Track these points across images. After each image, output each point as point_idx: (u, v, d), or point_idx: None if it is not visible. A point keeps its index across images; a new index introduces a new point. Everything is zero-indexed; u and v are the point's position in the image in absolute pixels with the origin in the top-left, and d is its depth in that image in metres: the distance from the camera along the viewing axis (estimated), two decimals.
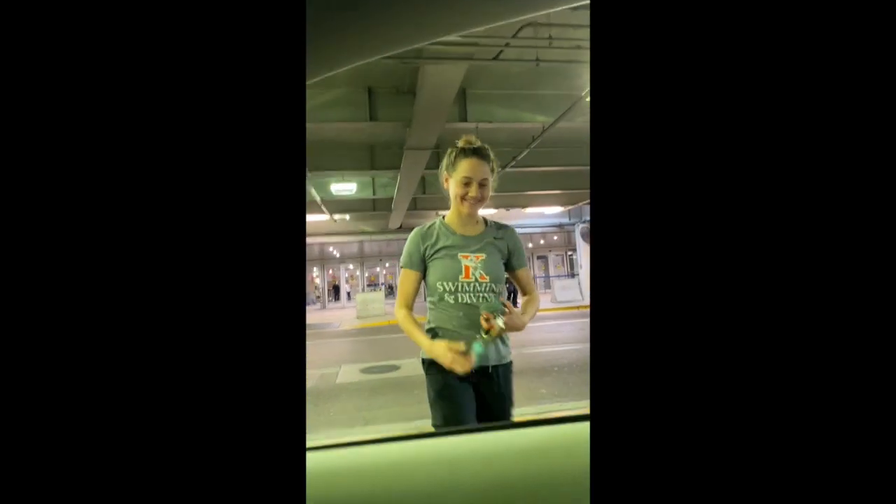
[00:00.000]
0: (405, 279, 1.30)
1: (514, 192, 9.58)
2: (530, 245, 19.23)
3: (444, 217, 1.34)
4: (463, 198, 1.25)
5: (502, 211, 11.17)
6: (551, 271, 19.28)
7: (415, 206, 10.35)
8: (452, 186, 1.28)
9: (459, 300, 1.24)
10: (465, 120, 5.48)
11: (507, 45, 3.61)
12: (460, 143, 1.28)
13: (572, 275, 15.59)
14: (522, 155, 6.47)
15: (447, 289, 1.24)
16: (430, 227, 1.32)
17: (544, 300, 12.86)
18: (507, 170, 7.14)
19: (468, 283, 1.24)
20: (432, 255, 1.27)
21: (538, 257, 20.14)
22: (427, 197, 9.87)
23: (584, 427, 0.51)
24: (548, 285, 16.06)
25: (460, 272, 1.24)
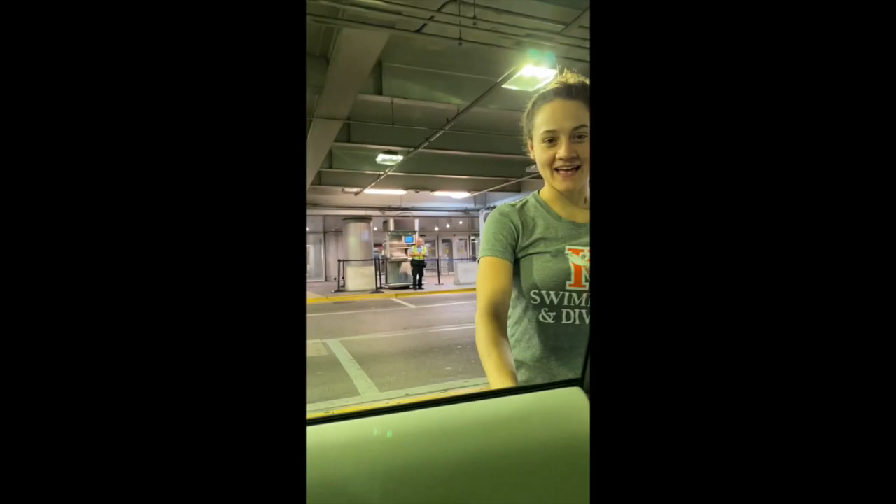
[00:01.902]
0: (492, 272, 0.78)
1: (425, 173, 9.61)
2: (436, 228, 19.57)
3: (538, 193, 0.88)
4: (552, 165, 0.79)
5: (411, 192, 11.15)
6: (455, 254, 19.84)
7: (319, 180, 9.86)
8: (537, 153, 0.81)
9: (563, 318, 0.79)
10: (380, 93, 5.31)
11: (431, 18, 3.53)
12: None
13: (474, 258, 16.20)
14: (436, 136, 6.48)
15: (546, 300, 0.79)
16: (522, 205, 0.86)
17: (448, 282, 13.23)
18: (420, 150, 7.11)
19: (578, 295, 0.78)
20: (526, 248, 0.81)
21: (443, 241, 20.58)
22: (333, 171, 9.45)
23: (575, 391, 0.51)
24: (451, 268, 16.52)
25: (568, 276, 0.78)
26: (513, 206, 0.86)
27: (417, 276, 11.85)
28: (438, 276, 14.72)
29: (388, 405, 0.49)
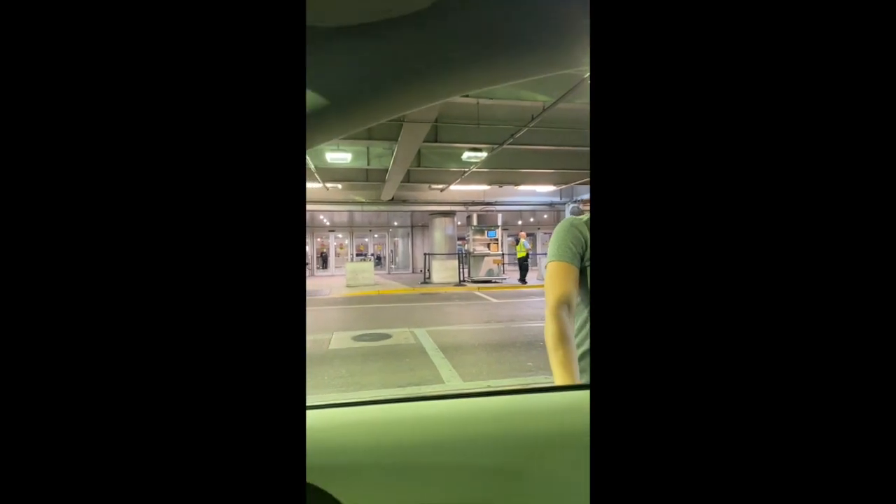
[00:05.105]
0: (563, 274, 0.91)
1: (510, 168, 9.62)
2: (519, 222, 19.37)
3: None
4: None
5: (495, 187, 11.22)
6: (538, 249, 19.48)
7: (408, 178, 10.32)
8: None
9: None
10: (466, 95, 5.47)
11: None
12: None
13: None
14: (521, 133, 6.50)
15: None
16: (585, 222, 0.97)
17: (531, 276, 13.10)
18: (505, 147, 7.17)
19: None
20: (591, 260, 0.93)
21: (528, 234, 20.32)
22: (421, 170, 9.84)
23: (583, 395, 0.56)
24: (534, 262, 16.28)
25: None
26: (580, 220, 1.00)
27: (522, 273, 11.80)
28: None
29: (400, 396, 0.58)
